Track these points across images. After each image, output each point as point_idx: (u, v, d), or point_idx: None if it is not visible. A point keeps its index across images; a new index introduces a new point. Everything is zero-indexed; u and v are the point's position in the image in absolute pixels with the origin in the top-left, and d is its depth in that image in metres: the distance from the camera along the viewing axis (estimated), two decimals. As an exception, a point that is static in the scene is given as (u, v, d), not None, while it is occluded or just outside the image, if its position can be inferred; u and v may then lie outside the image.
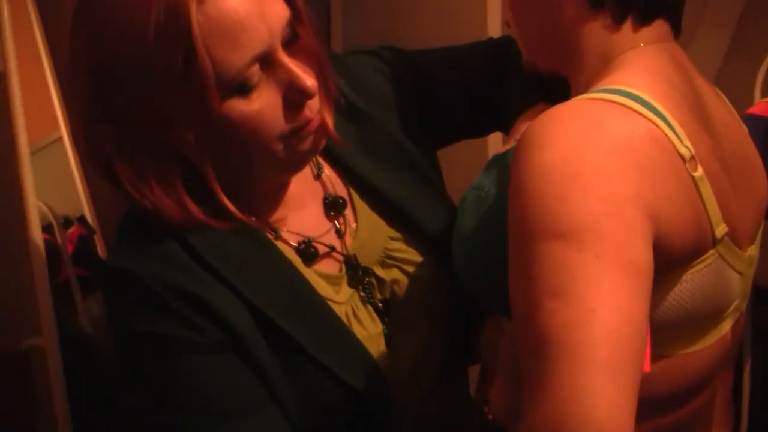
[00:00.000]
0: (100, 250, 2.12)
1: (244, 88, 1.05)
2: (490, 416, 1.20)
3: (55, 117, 2.11)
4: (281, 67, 1.07)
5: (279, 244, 1.21)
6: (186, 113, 1.03)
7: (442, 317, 1.32)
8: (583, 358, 0.78)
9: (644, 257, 0.85)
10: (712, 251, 0.96)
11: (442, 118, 1.40)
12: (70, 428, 1.64)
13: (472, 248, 1.16)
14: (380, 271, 1.27)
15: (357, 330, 1.21)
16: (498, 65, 1.39)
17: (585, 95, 0.95)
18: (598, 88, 0.96)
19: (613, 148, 0.87)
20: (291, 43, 1.09)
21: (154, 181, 1.07)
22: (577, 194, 0.84)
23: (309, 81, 1.08)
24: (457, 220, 1.21)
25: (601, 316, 0.80)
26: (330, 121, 1.17)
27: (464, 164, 1.55)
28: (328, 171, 1.31)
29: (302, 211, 1.26)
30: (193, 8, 0.98)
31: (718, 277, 0.98)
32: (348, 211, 1.29)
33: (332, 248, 1.25)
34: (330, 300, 1.20)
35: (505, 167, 1.13)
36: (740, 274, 1.02)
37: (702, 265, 0.95)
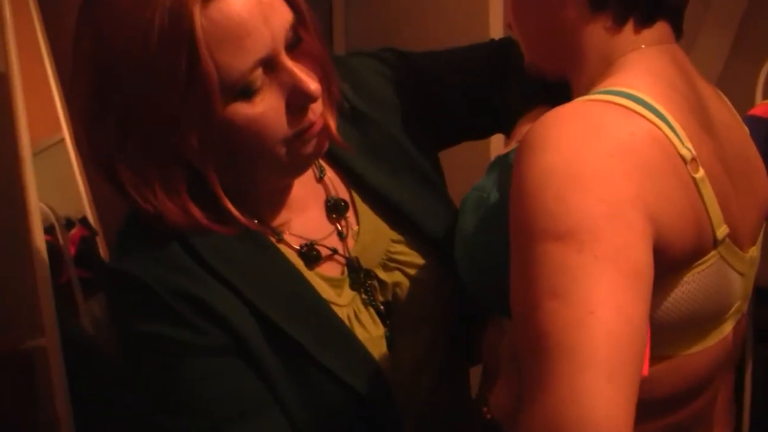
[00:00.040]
0: (102, 252, 2.12)
1: (247, 92, 1.05)
2: (488, 416, 1.20)
3: (57, 118, 2.10)
4: (284, 71, 1.07)
5: (281, 247, 1.21)
6: (189, 117, 1.03)
7: (444, 319, 1.32)
8: (582, 359, 0.78)
9: (644, 259, 0.85)
10: (713, 252, 0.96)
11: (443, 120, 1.40)
12: (72, 429, 1.64)
13: (473, 250, 1.16)
14: (382, 274, 1.27)
15: (359, 332, 1.21)
16: (499, 67, 1.39)
17: (586, 97, 0.95)
18: (599, 90, 0.96)
19: (614, 150, 0.88)
20: (294, 46, 1.09)
21: (157, 185, 1.07)
22: (577, 195, 0.85)
23: (312, 85, 1.08)
24: (458, 221, 1.21)
25: (600, 316, 0.80)
26: (333, 125, 1.17)
27: (467, 166, 1.55)
28: (330, 173, 1.31)
29: (304, 213, 1.26)
30: (197, 12, 0.99)
31: (720, 278, 0.98)
32: (350, 214, 1.29)
33: (334, 251, 1.25)
34: (332, 303, 1.20)
35: (507, 168, 1.13)
36: (741, 275, 1.02)
37: (703, 267, 0.95)
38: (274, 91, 1.07)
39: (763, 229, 1.12)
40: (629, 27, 1.02)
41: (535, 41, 1.12)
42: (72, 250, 2.00)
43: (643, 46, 1.02)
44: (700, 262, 0.95)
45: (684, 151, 0.92)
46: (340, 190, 1.31)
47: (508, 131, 1.34)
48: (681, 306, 0.95)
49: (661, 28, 1.04)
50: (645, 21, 1.02)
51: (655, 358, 0.95)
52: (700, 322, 0.99)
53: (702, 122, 1.00)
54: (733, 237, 0.99)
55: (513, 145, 1.22)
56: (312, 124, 1.12)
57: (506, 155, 1.18)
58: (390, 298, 1.27)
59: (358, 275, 1.25)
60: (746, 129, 1.15)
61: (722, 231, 0.96)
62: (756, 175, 1.10)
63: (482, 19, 2.13)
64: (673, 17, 1.05)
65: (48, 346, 1.63)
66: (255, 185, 1.20)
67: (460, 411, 1.38)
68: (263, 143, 1.09)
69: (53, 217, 1.92)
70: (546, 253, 0.84)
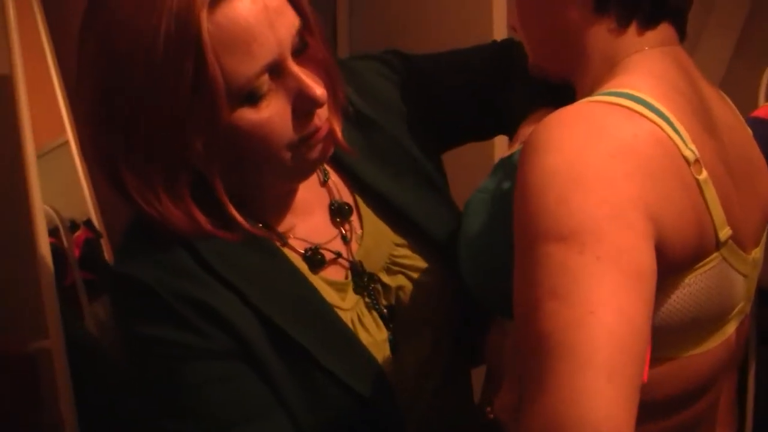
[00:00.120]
0: (107, 254, 2.12)
1: (253, 98, 1.05)
2: (491, 415, 1.20)
3: (61, 120, 2.11)
4: (291, 76, 1.07)
5: (286, 251, 1.21)
6: (195, 122, 1.03)
7: (447, 321, 1.33)
8: (583, 359, 0.78)
9: (647, 260, 0.85)
10: (715, 254, 0.96)
11: (447, 122, 1.40)
12: (76, 431, 1.64)
13: (477, 252, 1.16)
14: (385, 278, 1.27)
15: (363, 336, 1.21)
16: (502, 68, 1.40)
17: (589, 98, 0.95)
18: (602, 91, 0.96)
19: (616, 151, 0.88)
20: (300, 52, 1.09)
21: (162, 190, 1.07)
22: (579, 197, 0.85)
23: (318, 90, 1.08)
24: (462, 223, 1.21)
25: (601, 317, 0.80)
26: (338, 129, 1.17)
27: (471, 168, 1.55)
28: (334, 177, 1.31)
29: (309, 217, 1.26)
30: (204, 17, 0.98)
31: (722, 279, 0.98)
32: (354, 218, 1.29)
33: (338, 254, 1.25)
34: (336, 307, 1.20)
35: (511, 170, 1.13)
36: (744, 276, 1.02)
37: (706, 268, 0.95)
38: (280, 96, 1.08)
39: (766, 231, 1.12)
40: (632, 29, 1.02)
41: (539, 43, 1.12)
42: (76, 253, 2.00)
43: (646, 48, 1.02)
44: (702, 263, 0.95)
45: (687, 153, 0.92)
46: (344, 194, 1.31)
47: (511, 133, 1.34)
48: (683, 307, 0.95)
49: (664, 30, 1.04)
50: (648, 23, 1.03)
51: (658, 359, 0.95)
52: (703, 323, 0.99)
53: (705, 124, 1.00)
54: (736, 238, 0.99)
55: (516, 146, 1.23)
56: (317, 129, 1.12)
57: (510, 157, 1.18)
58: (393, 301, 1.27)
59: (362, 279, 1.25)
60: (749, 131, 1.15)
61: (725, 233, 0.96)
62: (759, 176, 1.10)
63: (485, 21, 2.13)
64: (676, 19, 1.05)
65: (52, 348, 1.63)
66: (260, 190, 1.20)
67: (463, 413, 1.38)
68: (269, 148, 1.09)
69: (58, 220, 1.92)
70: (548, 254, 0.84)
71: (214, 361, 1.11)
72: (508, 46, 1.44)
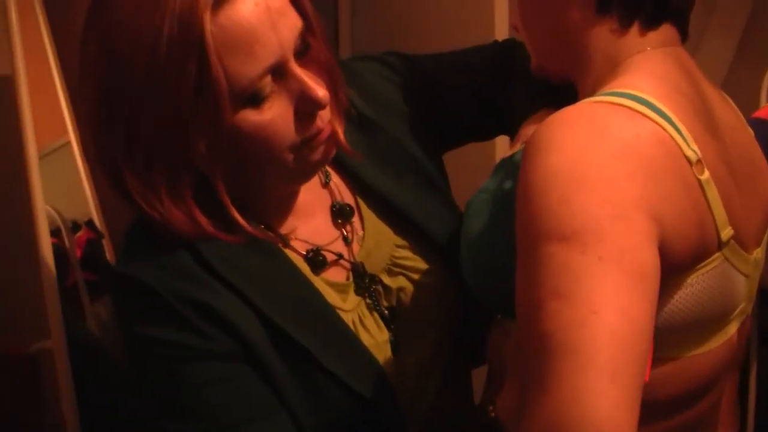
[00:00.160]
0: (109, 255, 2.12)
1: (256, 99, 1.05)
2: (493, 414, 1.20)
3: (63, 121, 2.11)
4: (293, 78, 1.07)
5: (287, 252, 1.21)
6: (198, 124, 1.03)
7: (449, 322, 1.33)
8: (585, 359, 0.78)
9: (649, 260, 0.85)
10: (717, 254, 0.96)
11: (448, 122, 1.40)
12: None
13: (479, 252, 1.17)
14: (387, 279, 1.27)
15: (364, 338, 1.21)
16: (503, 68, 1.40)
17: (591, 98, 0.95)
18: (604, 92, 0.96)
19: (618, 151, 0.88)
20: (302, 53, 1.09)
21: (164, 192, 1.07)
22: (581, 197, 0.85)
23: (321, 92, 1.08)
24: (464, 223, 1.21)
25: (603, 317, 0.80)
26: (340, 131, 1.17)
27: (472, 168, 1.56)
28: (335, 178, 1.31)
29: (310, 219, 1.26)
30: (207, 19, 0.98)
31: (724, 279, 0.98)
32: (355, 219, 1.29)
33: (340, 256, 1.25)
34: (338, 308, 1.20)
35: (512, 169, 1.13)
36: (746, 276, 1.02)
37: (708, 268, 0.95)
38: (283, 98, 1.08)
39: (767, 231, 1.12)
40: (634, 29, 1.02)
41: (541, 43, 1.12)
42: (78, 253, 2.00)
43: (648, 49, 1.02)
44: (704, 263, 0.95)
45: (689, 153, 0.92)
46: (346, 195, 1.31)
47: (512, 133, 1.34)
48: (685, 307, 0.95)
49: (666, 31, 1.04)
50: (650, 23, 1.03)
51: (660, 359, 0.94)
52: (705, 323, 0.99)
53: (707, 124, 1.00)
54: (738, 239, 0.99)
55: (518, 146, 1.23)
56: (320, 131, 1.12)
57: (511, 156, 1.18)
58: (394, 303, 1.27)
59: (363, 280, 1.25)
60: (751, 132, 1.15)
61: (727, 233, 0.96)
62: (760, 177, 1.10)
63: (487, 21, 2.13)
64: (678, 20, 1.05)
65: (54, 348, 1.63)
66: (262, 191, 1.20)
67: (464, 413, 1.38)
68: (271, 150, 1.09)
69: (59, 220, 1.92)
70: (550, 254, 0.84)
71: (215, 361, 1.11)
72: (510, 46, 1.44)
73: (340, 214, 1.28)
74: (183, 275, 1.10)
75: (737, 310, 1.04)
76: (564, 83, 1.12)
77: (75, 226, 2.05)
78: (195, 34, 0.98)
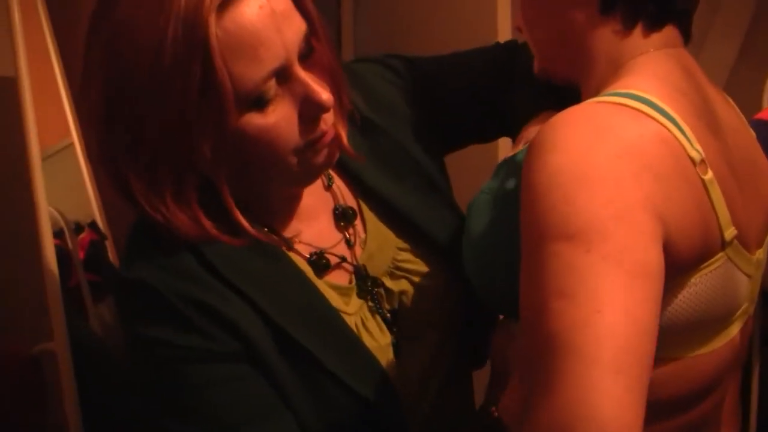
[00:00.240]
0: (112, 256, 2.13)
1: (260, 102, 1.05)
2: (496, 414, 1.20)
3: (66, 123, 2.11)
4: (297, 81, 1.07)
5: (291, 255, 1.21)
6: (202, 127, 1.03)
7: (451, 324, 1.33)
8: (589, 359, 0.78)
9: (654, 260, 0.85)
10: (720, 254, 0.96)
11: (450, 124, 1.40)
12: (81, 432, 1.64)
13: (481, 252, 1.17)
14: (389, 282, 1.27)
15: (367, 340, 1.21)
16: (505, 70, 1.40)
17: (594, 99, 0.95)
18: (607, 92, 0.96)
19: (622, 151, 0.88)
20: (306, 57, 1.09)
21: (168, 195, 1.07)
22: (585, 197, 0.85)
23: (324, 95, 1.08)
24: (466, 224, 1.21)
25: (607, 316, 0.80)
26: (344, 134, 1.17)
27: (474, 169, 1.56)
28: (338, 181, 1.31)
29: (314, 222, 1.26)
30: (212, 22, 0.98)
31: (727, 280, 0.98)
32: (357, 222, 1.29)
33: (343, 259, 1.25)
34: (340, 311, 1.20)
35: (515, 169, 1.13)
36: (749, 277, 1.03)
37: (711, 268, 0.96)
38: (287, 101, 1.07)
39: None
40: (638, 31, 1.03)
41: (545, 44, 1.12)
42: (81, 254, 2.01)
43: (651, 50, 1.02)
44: (707, 263, 0.95)
45: (693, 153, 0.92)
46: (348, 198, 1.31)
47: (514, 134, 1.34)
48: (688, 307, 0.95)
49: (669, 33, 1.04)
50: (653, 25, 1.03)
51: (663, 359, 0.94)
52: (708, 323, 0.99)
53: (709, 125, 1.00)
54: (740, 239, 0.99)
55: (520, 147, 1.23)
56: (323, 134, 1.12)
57: (513, 156, 1.18)
58: (396, 306, 1.27)
59: (365, 283, 1.25)
60: (753, 133, 1.15)
61: (730, 232, 0.96)
62: (762, 178, 1.10)
63: (490, 23, 2.13)
64: (681, 21, 1.06)
65: (57, 349, 1.63)
66: (266, 194, 1.20)
67: (465, 414, 1.38)
68: (275, 153, 1.09)
69: (62, 222, 1.92)
70: (554, 254, 0.84)
71: (218, 362, 1.11)
72: (512, 47, 1.44)
73: (343, 217, 1.28)
74: (186, 276, 1.10)
75: (740, 311, 1.04)
76: (566, 85, 1.12)
77: (78, 228, 2.05)
78: (200, 37, 0.98)
